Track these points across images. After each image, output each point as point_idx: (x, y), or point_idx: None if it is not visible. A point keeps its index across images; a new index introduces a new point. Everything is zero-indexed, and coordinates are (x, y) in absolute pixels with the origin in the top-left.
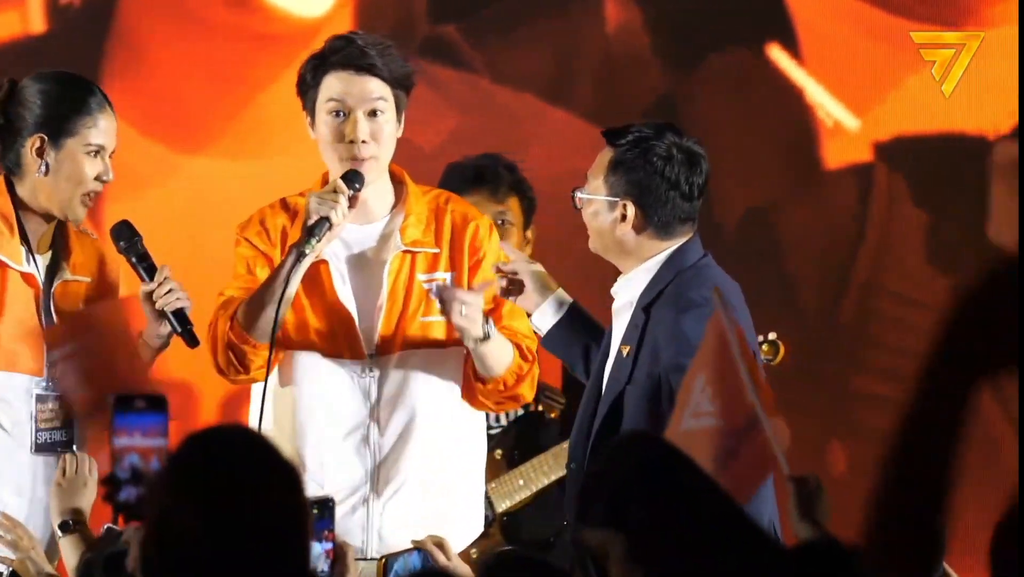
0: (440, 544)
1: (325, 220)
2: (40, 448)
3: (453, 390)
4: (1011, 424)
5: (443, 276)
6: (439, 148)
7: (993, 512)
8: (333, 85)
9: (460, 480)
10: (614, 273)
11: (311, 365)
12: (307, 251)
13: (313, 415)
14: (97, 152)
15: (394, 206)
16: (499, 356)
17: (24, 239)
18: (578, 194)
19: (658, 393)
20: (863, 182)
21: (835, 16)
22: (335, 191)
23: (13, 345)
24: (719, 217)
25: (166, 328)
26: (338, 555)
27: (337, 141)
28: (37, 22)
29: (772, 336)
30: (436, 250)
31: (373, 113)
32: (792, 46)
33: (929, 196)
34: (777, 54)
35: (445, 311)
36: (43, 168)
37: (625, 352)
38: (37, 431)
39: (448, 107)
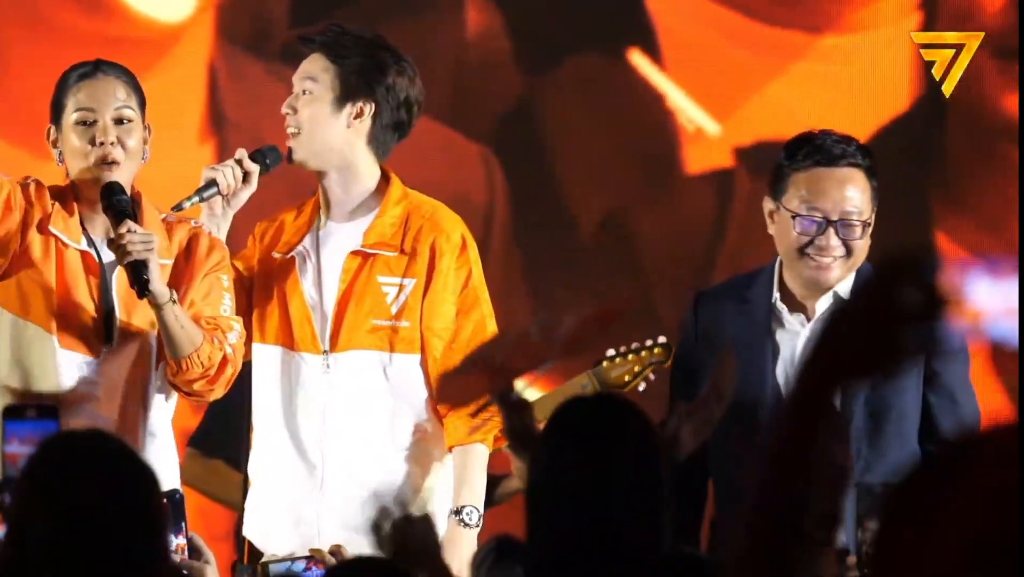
0: (337, 552)
1: (212, 183)
2: None
3: (405, 394)
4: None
5: (407, 281)
6: None
7: None
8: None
9: (406, 487)
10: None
11: (268, 356)
12: (184, 206)
13: (266, 405)
14: (86, 121)
15: (375, 207)
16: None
17: (83, 222)
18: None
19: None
20: (723, 188)
21: (696, 21)
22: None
23: (71, 324)
24: (577, 222)
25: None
26: (193, 547)
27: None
28: None
29: (663, 339)
30: (393, 254)
31: (303, 92)
32: (653, 51)
33: None
34: (638, 59)
35: None
36: (57, 156)
37: None
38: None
39: None
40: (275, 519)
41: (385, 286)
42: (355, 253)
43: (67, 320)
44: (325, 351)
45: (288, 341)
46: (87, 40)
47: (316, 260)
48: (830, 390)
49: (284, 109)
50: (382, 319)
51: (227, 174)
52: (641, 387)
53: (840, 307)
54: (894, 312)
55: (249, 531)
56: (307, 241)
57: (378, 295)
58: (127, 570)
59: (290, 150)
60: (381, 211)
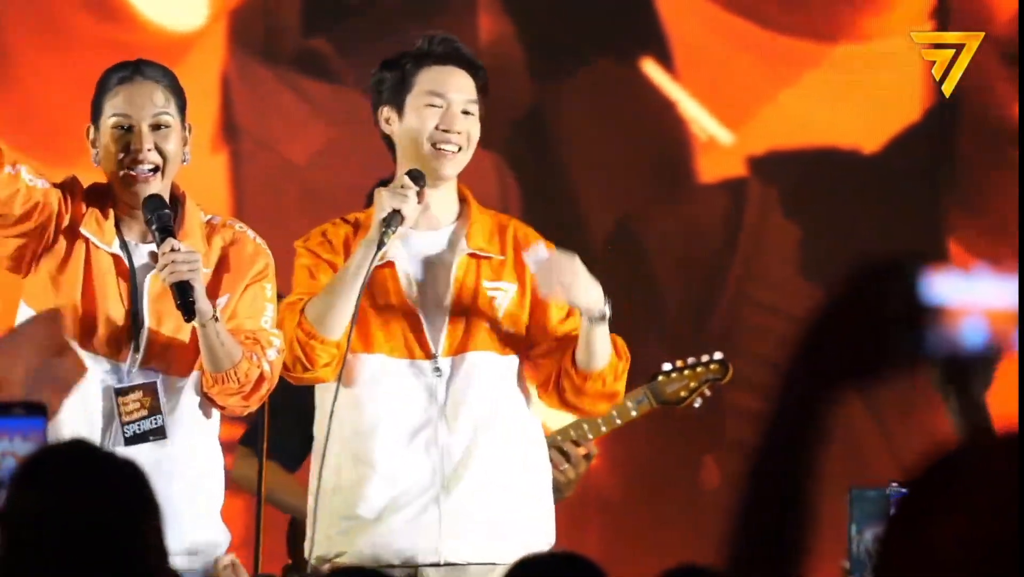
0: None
1: (397, 212)
2: (131, 441)
3: (516, 394)
4: (876, 423)
5: (508, 286)
6: (310, 161)
7: None
8: (433, 78)
9: (528, 483)
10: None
11: (378, 366)
12: (386, 240)
13: (380, 416)
14: (123, 126)
15: (458, 217)
16: (607, 343)
17: (118, 224)
18: None
19: None
20: (736, 196)
21: (709, 30)
22: (403, 186)
23: (96, 328)
24: (590, 230)
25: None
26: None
27: (434, 129)
28: None
29: (719, 355)
30: (502, 257)
31: (467, 112)
32: (666, 60)
33: (801, 209)
34: (651, 68)
35: (552, 290)
36: (94, 156)
37: None
38: (124, 424)
39: (319, 120)
40: (384, 529)
41: (491, 290)
42: (471, 256)
43: (92, 324)
44: (435, 355)
45: (394, 349)
46: (99, 48)
47: (414, 268)
48: (818, 394)
49: (444, 126)
50: (494, 321)
51: (410, 203)
52: (697, 403)
53: (826, 311)
54: (880, 316)
55: (330, 545)
56: (399, 249)
57: (486, 299)
58: (114, 565)
59: (419, 173)
60: (471, 218)
